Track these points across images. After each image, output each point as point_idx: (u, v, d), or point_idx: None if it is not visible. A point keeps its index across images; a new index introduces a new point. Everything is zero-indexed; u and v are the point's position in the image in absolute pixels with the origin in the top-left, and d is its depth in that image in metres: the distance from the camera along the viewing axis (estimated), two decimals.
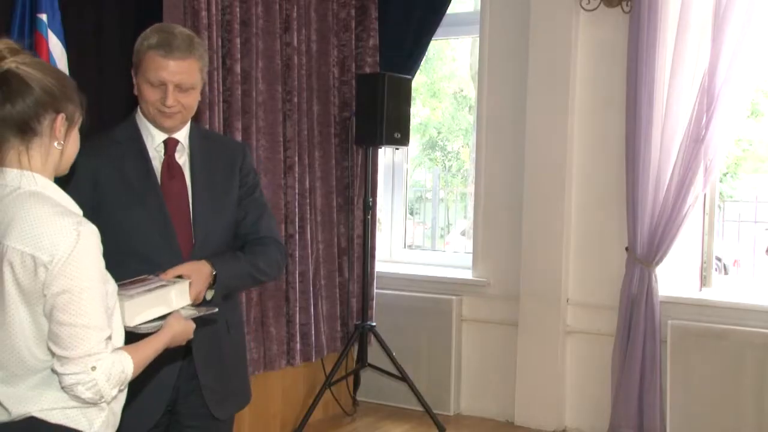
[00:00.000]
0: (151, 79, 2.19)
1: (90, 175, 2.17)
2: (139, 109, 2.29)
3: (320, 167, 4.66)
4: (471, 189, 5.17)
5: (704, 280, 4.46)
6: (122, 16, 3.90)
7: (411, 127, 4.75)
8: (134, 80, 2.25)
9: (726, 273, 5.82)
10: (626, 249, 4.29)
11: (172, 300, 1.96)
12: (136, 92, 2.24)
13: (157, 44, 2.18)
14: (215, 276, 2.19)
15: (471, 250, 4.96)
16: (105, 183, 2.19)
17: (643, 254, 4.21)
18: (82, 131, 1.84)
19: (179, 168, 2.31)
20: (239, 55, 4.01)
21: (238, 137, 3.98)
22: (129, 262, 2.11)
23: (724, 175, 5.76)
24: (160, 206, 2.23)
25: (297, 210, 4.40)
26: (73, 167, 1.88)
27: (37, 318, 1.66)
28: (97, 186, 2.18)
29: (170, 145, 2.29)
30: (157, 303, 1.92)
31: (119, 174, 2.21)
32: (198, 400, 2.33)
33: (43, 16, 3.45)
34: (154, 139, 2.28)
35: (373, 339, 4.72)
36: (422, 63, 5.02)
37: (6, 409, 1.70)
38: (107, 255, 1.73)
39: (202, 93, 2.47)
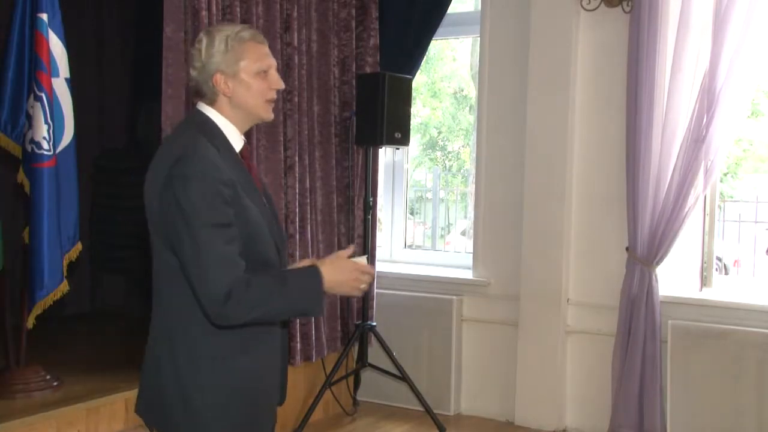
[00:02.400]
0: (258, 69, 2.11)
1: (227, 175, 2.04)
2: (217, 112, 2.14)
3: (320, 167, 4.65)
4: (471, 189, 5.17)
5: (704, 280, 4.46)
6: (123, 15, 3.90)
7: (411, 127, 4.74)
8: (224, 84, 2.10)
9: (726, 273, 5.83)
10: (626, 249, 4.29)
11: None
12: (228, 93, 2.11)
13: (250, 36, 2.12)
14: None
15: (471, 250, 4.96)
16: (235, 183, 2.09)
17: (644, 254, 4.21)
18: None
19: (256, 171, 2.28)
20: None
21: None
22: (249, 255, 2.06)
23: (725, 175, 5.76)
24: (264, 206, 2.19)
25: (297, 210, 4.39)
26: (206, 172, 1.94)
27: None
28: (234, 186, 2.06)
29: (245, 149, 2.22)
30: None
31: (234, 176, 2.08)
32: None
33: (44, 16, 3.46)
34: (236, 143, 2.17)
35: (373, 339, 4.72)
36: (423, 63, 5.01)
37: None
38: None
39: None
